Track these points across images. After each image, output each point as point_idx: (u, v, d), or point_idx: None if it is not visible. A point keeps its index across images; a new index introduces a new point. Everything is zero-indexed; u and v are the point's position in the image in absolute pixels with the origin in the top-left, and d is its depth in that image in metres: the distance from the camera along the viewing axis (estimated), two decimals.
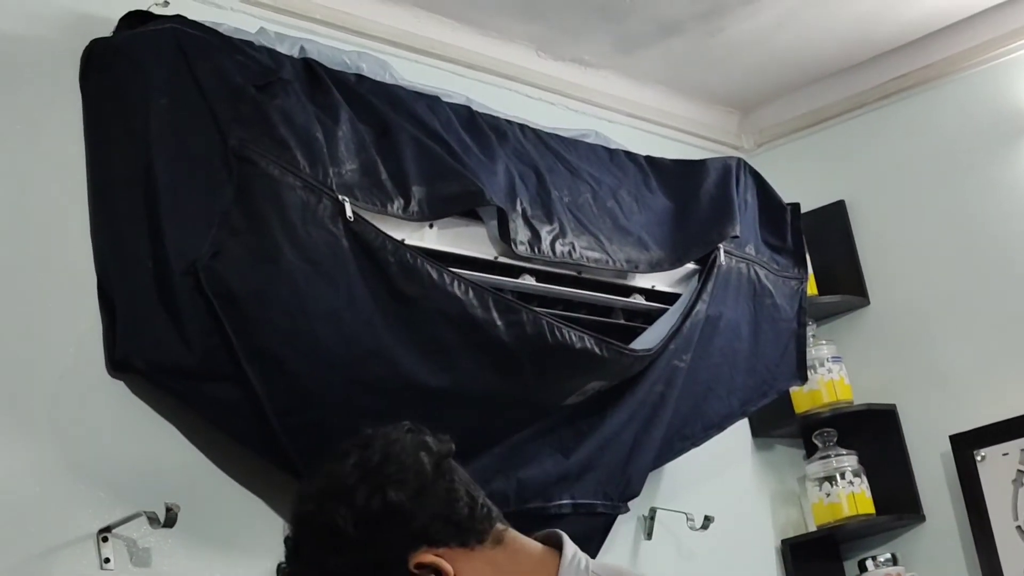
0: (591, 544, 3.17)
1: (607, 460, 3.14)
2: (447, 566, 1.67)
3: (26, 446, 2.42)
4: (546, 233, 2.93)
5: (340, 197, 2.53)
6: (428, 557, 1.67)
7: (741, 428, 3.92)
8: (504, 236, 2.85)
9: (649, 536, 3.53)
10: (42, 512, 2.40)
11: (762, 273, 3.46)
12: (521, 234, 2.88)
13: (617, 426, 3.13)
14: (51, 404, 2.47)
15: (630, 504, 3.28)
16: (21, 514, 2.37)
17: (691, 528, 3.59)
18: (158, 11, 2.72)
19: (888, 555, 3.92)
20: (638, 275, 3.18)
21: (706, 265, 3.30)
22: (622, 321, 3.17)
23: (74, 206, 2.59)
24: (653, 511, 3.54)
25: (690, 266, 3.30)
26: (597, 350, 2.88)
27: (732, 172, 3.52)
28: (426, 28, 3.42)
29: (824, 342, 4.04)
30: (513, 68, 3.64)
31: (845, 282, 4.13)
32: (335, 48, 2.88)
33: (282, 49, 2.74)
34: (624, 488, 3.21)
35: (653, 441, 3.24)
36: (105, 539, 2.45)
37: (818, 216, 4.13)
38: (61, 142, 2.61)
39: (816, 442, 3.99)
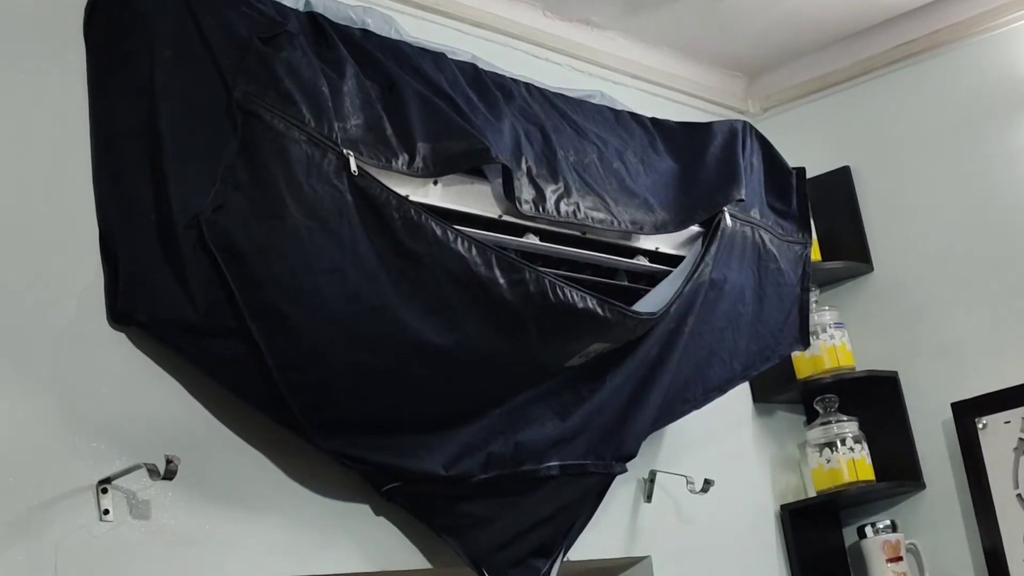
0: (586, 506, 3.19)
1: (604, 421, 3.15)
2: None
3: (26, 397, 2.42)
4: (551, 192, 2.93)
5: (345, 152, 2.53)
6: None
7: (742, 392, 3.95)
8: (509, 194, 2.84)
9: (649, 499, 3.56)
10: (42, 463, 2.41)
11: (767, 237, 3.47)
12: (526, 193, 2.88)
13: (616, 388, 3.14)
14: (52, 355, 2.48)
15: (629, 467, 3.28)
16: (21, 465, 2.38)
17: (691, 491, 3.61)
18: None
19: (888, 522, 3.96)
20: (642, 237, 3.18)
21: (711, 228, 3.30)
22: (626, 283, 3.17)
23: (77, 158, 2.60)
24: (653, 474, 3.56)
25: (695, 229, 3.31)
26: (600, 311, 2.88)
27: (738, 135, 3.52)
28: None
29: (827, 308, 4.06)
30: (519, 27, 3.63)
31: (849, 248, 4.15)
32: (340, 3, 2.87)
33: (287, 2, 2.73)
34: (617, 448, 3.22)
35: (651, 403, 3.25)
36: (104, 490, 2.46)
37: (823, 181, 4.15)
38: (64, 94, 2.61)
39: (817, 408, 4.02)
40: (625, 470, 3.28)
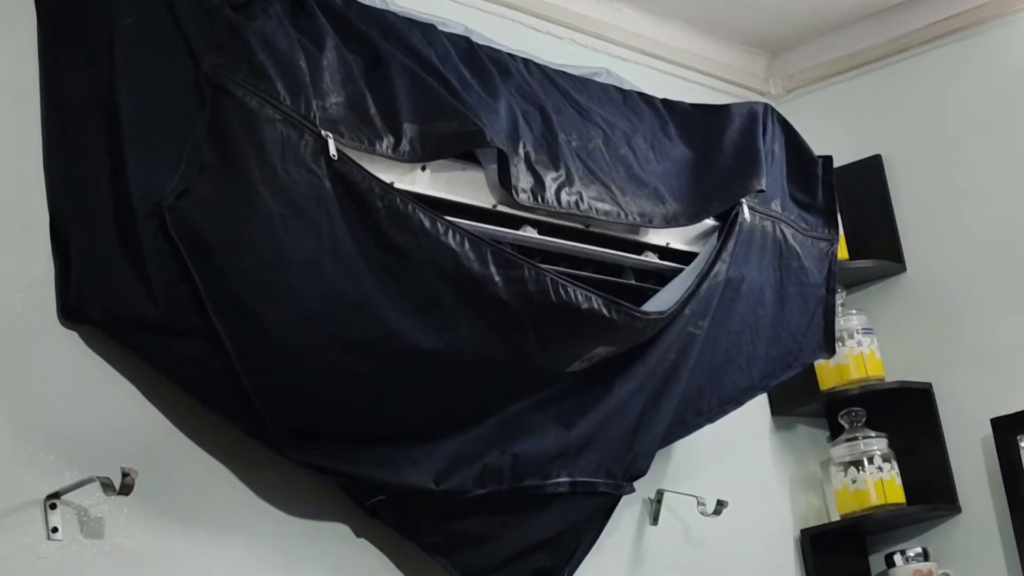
0: (591, 528, 3.20)
1: (611, 434, 3.15)
2: None
3: None
4: (551, 180, 2.92)
5: (324, 133, 2.52)
6: None
7: (760, 405, 3.95)
8: (504, 182, 2.84)
9: (655, 521, 3.56)
10: None
11: (789, 232, 3.45)
12: (523, 181, 2.86)
13: (624, 397, 3.14)
14: None
15: (636, 485, 3.28)
16: None
17: (702, 514, 3.61)
18: None
19: (919, 549, 3.95)
20: (652, 230, 3.18)
21: (727, 222, 3.29)
22: (633, 281, 3.17)
23: (26, 135, 2.60)
24: (660, 494, 3.56)
25: (709, 222, 3.30)
26: (605, 312, 2.87)
27: (759, 120, 3.51)
28: None
29: (854, 311, 4.05)
30: None
31: (880, 246, 4.15)
32: None
33: None
34: (629, 466, 3.22)
35: (663, 415, 3.25)
36: (53, 506, 2.46)
37: (852, 171, 4.15)
38: (11, 63, 2.61)
39: (842, 422, 4.01)
40: (634, 490, 3.29)
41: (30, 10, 2.64)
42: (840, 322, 3.86)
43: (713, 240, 3.28)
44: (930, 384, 4.04)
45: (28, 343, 2.51)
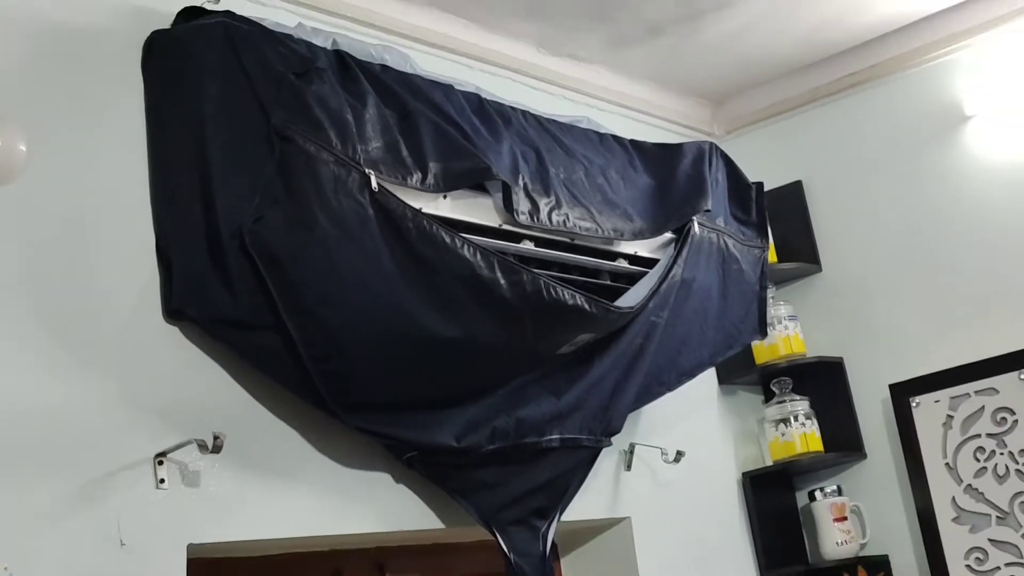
0: (578, 474, 3.19)
1: (592, 401, 3.14)
2: None
3: (94, 382, 2.43)
4: (544, 205, 2.92)
5: (367, 171, 2.52)
6: None
7: (709, 376, 3.95)
8: (508, 207, 2.84)
9: (629, 468, 3.54)
10: (107, 439, 2.42)
11: (730, 242, 3.45)
12: (522, 205, 2.87)
13: (602, 372, 3.13)
14: (115, 347, 2.48)
15: (613, 440, 3.28)
16: (88, 441, 2.39)
17: (665, 461, 3.60)
18: (210, 7, 2.73)
19: (834, 487, 3.95)
20: (623, 242, 3.17)
21: (682, 235, 3.28)
22: (608, 282, 3.15)
23: (136, 177, 2.61)
24: (632, 446, 3.54)
25: (668, 235, 3.29)
26: (587, 307, 2.87)
27: (705, 155, 3.50)
28: (441, 25, 3.42)
29: (782, 303, 4.05)
30: (516, 62, 3.63)
31: (801, 252, 4.13)
32: (363, 42, 2.88)
33: (317, 42, 2.73)
34: (607, 425, 3.21)
35: (633, 386, 3.24)
36: (160, 462, 2.47)
37: (779, 194, 4.14)
38: (125, 121, 2.62)
39: (774, 389, 4.01)
40: (611, 443, 3.28)
41: (138, 79, 2.65)
42: (771, 311, 3.85)
43: (671, 249, 3.27)
44: (842, 358, 4.03)
45: (140, 336, 2.52)
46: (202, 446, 2.48)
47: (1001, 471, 3.64)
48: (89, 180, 2.53)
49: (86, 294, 2.46)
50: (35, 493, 2.29)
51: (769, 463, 3.99)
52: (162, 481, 2.46)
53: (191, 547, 2.48)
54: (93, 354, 2.44)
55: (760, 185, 3.67)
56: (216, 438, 2.46)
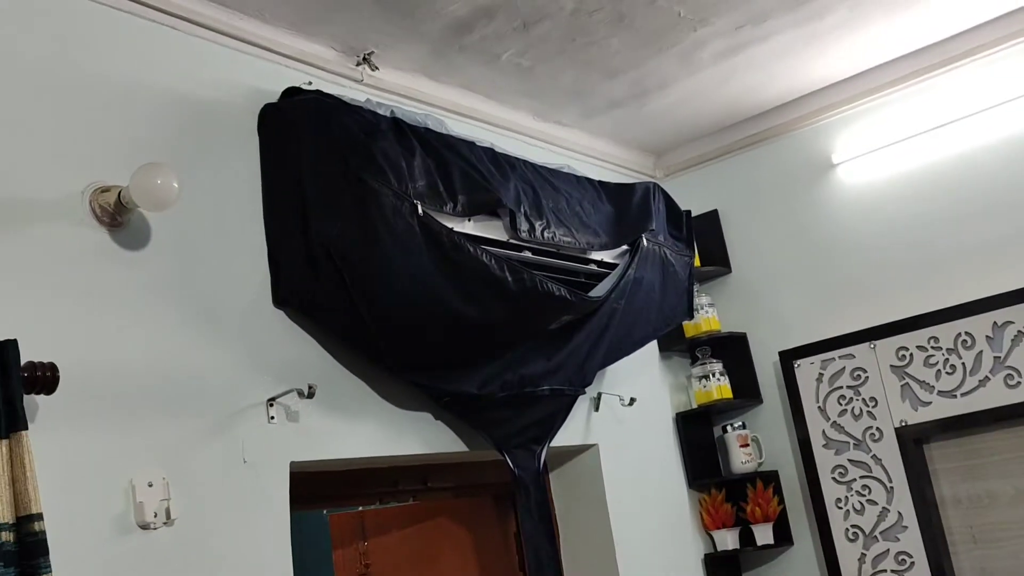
0: (561, 414, 3.17)
1: (572, 362, 3.12)
2: None
3: (226, 350, 2.44)
4: (538, 226, 2.92)
5: (415, 201, 2.52)
6: None
7: (652, 346, 3.94)
8: (513, 227, 2.83)
9: (597, 409, 3.54)
10: (234, 388, 2.42)
11: (668, 252, 3.42)
12: (523, 225, 2.86)
13: (579, 342, 3.11)
14: (240, 325, 2.49)
15: (586, 390, 3.28)
16: (222, 390, 2.40)
17: (622, 405, 3.61)
18: (306, 88, 2.73)
19: (740, 423, 3.94)
20: (593, 252, 3.15)
21: (634, 247, 3.27)
22: (583, 280, 3.11)
23: (254, 207, 2.61)
24: (600, 394, 3.54)
25: (624, 247, 3.27)
26: (568, 296, 2.86)
27: (651, 191, 3.49)
28: (467, 100, 3.41)
29: (704, 294, 4.03)
30: (519, 126, 3.62)
31: (717, 258, 4.11)
32: (412, 111, 2.87)
33: (380, 112, 2.73)
34: (582, 380, 3.20)
35: (601, 351, 3.22)
36: (271, 404, 2.48)
37: (703, 218, 4.12)
38: (246, 169, 2.62)
39: (698, 354, 4.00)
40: (585, 393, 3.28)
41: (254, 139, 2.65)
42: (696, 300, 3.85)
43: (627, 257, 3.25)
44: (745, 333, 4.02)
45: (257, 317, 2.52)
46: (300, 393, 2.49)
47: (856, 412, 3.65)
48: (221, 210, 2.53)
49: (219, 288, 2.47)
50: (185, 424, 2.30)
51: (695, 406, 3.99)
52: (272, 418, 2.47)
53: (293, 464, 2.49)
54: (225, 330, 2.45)
55: (688, 212, 3.66)
56: (310, 387, 2.48)
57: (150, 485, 2.18)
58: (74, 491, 2.07)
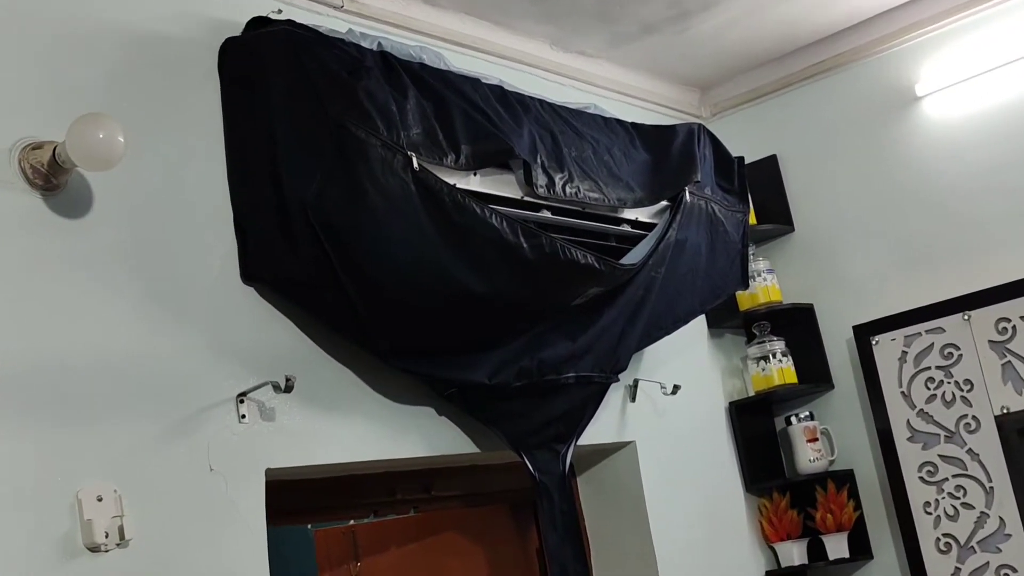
0: (590, 406, 3.18)
1: (602, 344, 3.13)
2: None
3: (186, 335, 2.45)
4: (559, 179, 2.91)
5: (409, 153, 2.52)
6: None
7: (700, 322, 3.94)
8: (528, 181, 2.82)
9: (633, 399, 3.55)
10: (197, 382, 2.44)
11: (716, 208, 3.43)
12: (540, 179, 2.85)
13: (610, 320, 3.12)
14: (203, 305, 2.50)
15: (620, 376, 3.28)
16: (183, 383, 2.41)
17: (664, 394, 3.61)
18: (275, 17, 2.73)
19: (807, 413, 3.95)
20: (626, 210, 3.15)
21: (676, 202, 3.27)
22: (614, 244, 3.13)
23: (216, 162, 2.60)
24: (636, 381, 3.55)
25: (664, 203, 3.27)
26: (596, 265, 2.86)
27: (695, 134, 3.48)
28: (470, 28, 3.40)
29: (761, 258, 4.03)
30: (533, 58, 3.61)
31: (776, 215, 4.11)
32: (403, 43, 2.86)
33: (365, 45, 2.72)
34: (614, 364, 3.21)
35: (636, 331, 3.23)
36: (242, 401, 2.49)
37: (757, 166, 4.12)
38: (205, 115, 2.62)
39: (755, 331, 4.01)
40: (618, 380, 3.29)
41: (214, 79, 2.65)
42: (752, 265, 3.85)
43: (666, 215, 3.25)
44: (812, 304, 4.02)
45: (223, 296, 2.53)
46: (276, 387, 2.49)
47: (948, 398, 3.65)
48: (176, 165, 2.53)
49: (177, 262, 2.47)
50: (139, 426, 2.31)
51: (751, 394, 4.00)
52: (243, 416, 2.48)
53: (268, 471, 2.50)
54: (185, 312, 2.46)
55: (741, 159, 3.65)
56: (288, 380, 2.48)
57: (99, 499, 2.19)
58: (8, 508, 2.08)
